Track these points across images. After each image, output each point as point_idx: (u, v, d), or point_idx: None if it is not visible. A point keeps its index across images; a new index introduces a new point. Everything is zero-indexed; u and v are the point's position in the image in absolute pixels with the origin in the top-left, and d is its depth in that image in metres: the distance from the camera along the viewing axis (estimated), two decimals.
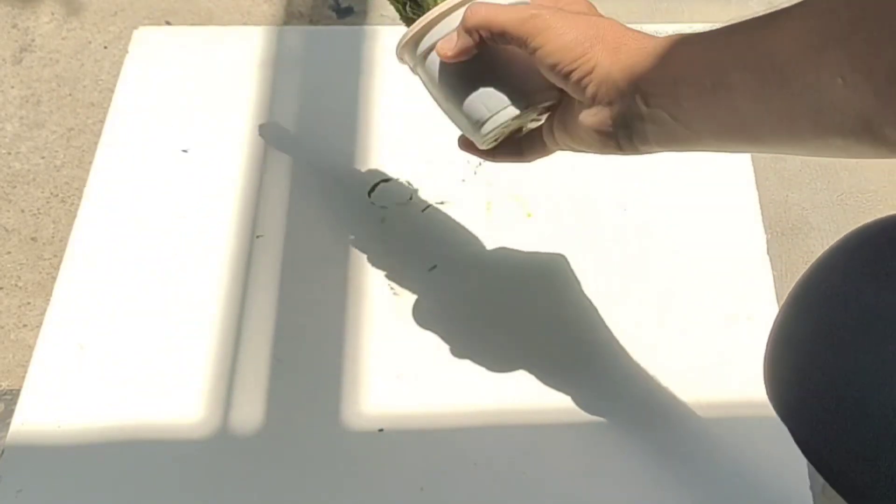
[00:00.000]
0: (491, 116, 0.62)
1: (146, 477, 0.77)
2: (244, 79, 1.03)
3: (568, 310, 0.86)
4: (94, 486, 0.77)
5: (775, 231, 0.92)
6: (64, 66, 1.06)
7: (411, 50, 0.64)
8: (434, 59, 0.63)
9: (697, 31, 0.58)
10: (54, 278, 0.89)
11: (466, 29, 0.60)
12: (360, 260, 0.89)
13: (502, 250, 0.90)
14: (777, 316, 0.60)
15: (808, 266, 0.59)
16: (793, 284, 0.59)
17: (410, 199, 0.94)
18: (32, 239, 0.93)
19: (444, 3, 0.61)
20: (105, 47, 1.08)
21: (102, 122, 1.00)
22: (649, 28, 0.61)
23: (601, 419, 0.80)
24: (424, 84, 0.66)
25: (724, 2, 1.10)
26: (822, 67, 0.47)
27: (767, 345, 0.61)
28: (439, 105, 0.66)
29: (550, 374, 0.82)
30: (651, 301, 0.86)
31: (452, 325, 0.85)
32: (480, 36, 0.60)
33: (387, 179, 0.95)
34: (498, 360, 0.83)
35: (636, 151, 0.58)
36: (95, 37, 1.09)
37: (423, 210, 0.93)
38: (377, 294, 0.87)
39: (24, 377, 0.83)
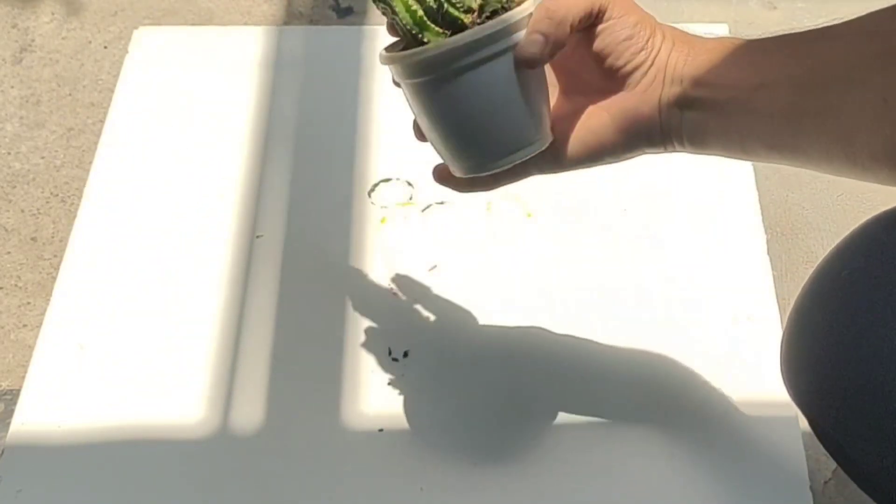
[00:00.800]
0: (529, 144, 0.57)
1: (146, 477, 0.77)
2: (244, 79, 1.03)
3: (568, 310, 0.86)
4: (94, 486, 0.77)
5: (775, 231, 0.92)
6: (64, 66, 1.06)
7: (440, 62, 0.55)
8: (473, 79, 0.55)
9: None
10: (54, 278, 0.89)
11: (557, 20, 0.55)
12: (360, 260, 0.89)
13: (502, 250, 0.90)
14: (794, 305, 0.59)
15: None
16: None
17: (410, 199, 0.94)
18: (32, 239, 0.93)
19: (499, 20, 0.54)
20: (105, 47, 1.08)
21: (102, 122, 1.00)
22: None
23: (600, 419, 0.80)
24: (428, 104, 0.58)
25: (724, 2, 1.10)
26: (868, 85, 0.47)
27: (784, 333, 0.60)
28: (453, 130, 0.59)
29: (550, 374, 0.82)
30: (651, 301, 0.86)
31: (452, 325, 0.85)
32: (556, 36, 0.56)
33: (387, 179, 0.95)
34: (498, 359, 0.83)
35: (669, 143, 0.59)
36: (95, 37, 1.09)
37: (424, 210, 0.93)
38: (377, 294, 0.87)
39: (24, 377, 0.83)
